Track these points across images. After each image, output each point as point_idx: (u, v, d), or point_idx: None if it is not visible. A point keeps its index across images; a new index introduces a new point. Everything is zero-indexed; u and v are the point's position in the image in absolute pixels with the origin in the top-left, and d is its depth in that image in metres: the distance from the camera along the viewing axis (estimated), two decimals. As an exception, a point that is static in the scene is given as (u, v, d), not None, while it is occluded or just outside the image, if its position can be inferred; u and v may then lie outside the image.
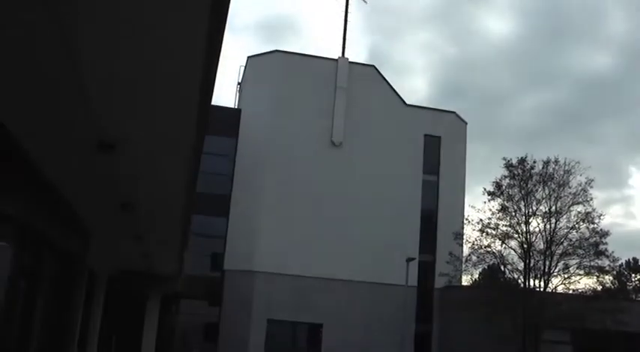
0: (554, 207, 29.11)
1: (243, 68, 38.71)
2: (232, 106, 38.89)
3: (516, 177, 29.55)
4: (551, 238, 28.87)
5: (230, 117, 35.74)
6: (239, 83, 40.17)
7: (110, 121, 7.17)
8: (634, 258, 53.16)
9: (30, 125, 7.84)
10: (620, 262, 31.00)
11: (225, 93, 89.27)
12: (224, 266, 35.07)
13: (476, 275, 36.88)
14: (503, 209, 29.70)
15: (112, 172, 9.35)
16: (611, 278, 33.45)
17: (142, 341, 26.44)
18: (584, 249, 29.06)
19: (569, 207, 29.20)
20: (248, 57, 38.07)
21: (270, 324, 33.34)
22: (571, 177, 29.29)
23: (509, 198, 29.68)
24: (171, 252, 18.15)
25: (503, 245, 29.65)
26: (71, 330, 15.78)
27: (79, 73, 5.81)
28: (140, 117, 7.15)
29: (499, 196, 29.92)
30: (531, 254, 29.04)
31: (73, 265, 15.30)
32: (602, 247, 28.93)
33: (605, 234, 28.95)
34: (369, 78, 37.21)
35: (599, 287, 31.17)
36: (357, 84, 36.45)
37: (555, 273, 29.05)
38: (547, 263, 28.93)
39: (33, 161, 9.54)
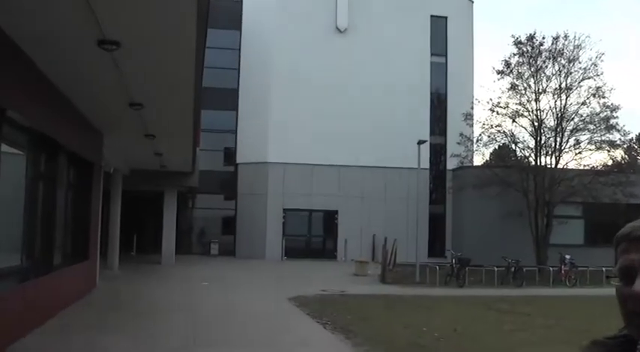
0: (564, 83, 28.76)
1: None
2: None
3: (525, 55, 29.03)
4: (561, 114, 28.70)
5: (232, 10, 35.03)
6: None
7: (111, 18, 7.06)
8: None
9: (32, 28, 7.75)
10: (631, 136, 30.86)
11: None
12: (237, 160, 35.42)
13: (487, 155, 37.12)
14: (513, 87, 29.36)
15: (117, 71, 9.29)
16: (621, 152, 33.50)
17: (162, 237, 27.09)
18: (594, 124, 28.93)
19: (579, 83, 28.83)
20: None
21: (286, 214, 34.00)
22: (581, 51, 28.80)
23: (519, 76, 29.28)
24: (183, 148, 18.28)
25: (514, 123, 29.51)
26: (92, 229, 16.18)
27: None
28: (140, 11, 7.02)
29: (508, 75, 29.51)
30: (542, 131, 28.96)
31: (87, 167, 15.51)
32: (612, 121, 28.79)
33: (615, 108, 28.74)
34: (372, -41, 36.06)
35: (610, 162, 31.28)
36: (359, -34, 35.37)
37: (566, 149, 29.06)
38: (558, 139, 28.89)
39: (40, 67, 9.50)
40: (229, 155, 36.10)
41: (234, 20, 34.88)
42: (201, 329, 11.29)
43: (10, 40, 7.99)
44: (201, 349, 9.17)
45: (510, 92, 29.31)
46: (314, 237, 35.62)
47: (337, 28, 34.86)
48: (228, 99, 34.94)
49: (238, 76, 35.43)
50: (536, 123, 28.91)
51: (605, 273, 23.33)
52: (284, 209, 33.83)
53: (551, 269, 24.26)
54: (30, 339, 9.43)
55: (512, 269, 23.65)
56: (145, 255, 29.84)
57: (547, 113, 29.02)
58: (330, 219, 34.86)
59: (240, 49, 35.49)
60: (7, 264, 9.94)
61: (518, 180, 28.38)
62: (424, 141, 26.13)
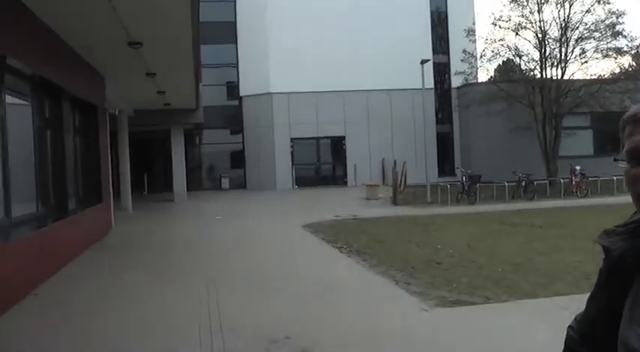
0: (567, -8, 28.21)
1: None
2: None
3: (526, -36, 28.40)
4: (565, 24, 28.19)
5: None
6: None
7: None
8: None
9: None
10: (638, 42, 30.32)
11: None
12: (240, 93, 35.25)
13: (492, 71, 36.67)
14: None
15: (112, 9, 9.17)
16: (629, 59, 33.02)
17: (173, 175, 27.26)
18: (600, 32, 28.43)
19: (583, -11, 28.24)
20: None
21: (294, 143, 34.03)
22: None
23: (520, -13, 28.70)
24: (185, 85, 18.18)
25: (517, 36, 29.05)
26: (103, 171, 16.29)
27: None
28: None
29: (509, -14, 28.91)
30: (546, 42, 28.52)
31: (92, 111, 15.50)
32: (618, 28, 28.31)
33: (621, 13, 28.20)
34: None
35: (617, 70, 30.92)
36: None
37: (572, 60, 28.68)
38: (563, 50, 28.48)
39: (36, 13, 9.38)
40: (232, 89, 35.91)
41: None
42: (220, 259, 11.48)
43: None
44: (221, 279, 9.35)
45: (512, 4, 28.74)
46: (323, 164, 35.75)
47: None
48: (227, 32, 34.51)
49: (235, 7, 34.89)
50: (540, 35, 28.47)
51: (616, 182, 23.50)
52: (291, 138, 33.86)
53: (561, 181, 24.36)
54: (51, 283, 9.64)
55: (523, 183, 23.75)
56: (157, 194, 30.13)
57: (551, 24, 28.54)
58: (338, 145, 34.90)
59: (234, -20, 34.84)
60: (24, 211, 10.07)
61: (525, 94, 28.16)
62: (427, 61, 25.82)
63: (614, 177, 23.85)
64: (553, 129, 28.08)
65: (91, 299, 8.63)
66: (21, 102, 10.41)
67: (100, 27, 10.88)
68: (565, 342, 1.54)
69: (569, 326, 1.56)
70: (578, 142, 30.59)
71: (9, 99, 9.27)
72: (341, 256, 11.80)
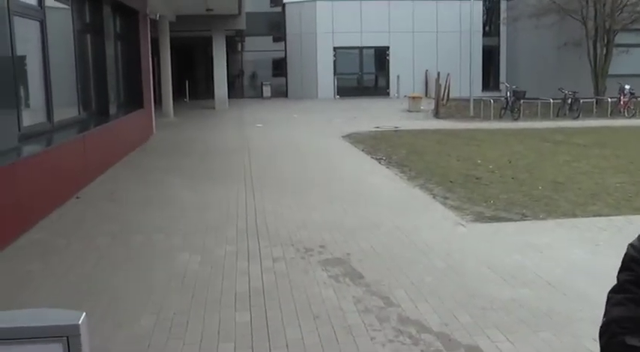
0: None
1: None
2: None
3: None
4: None
5: None
6: None
7: None
8: None
9: None
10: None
11: None
12: (284, 0, 34.64)
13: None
14: None
15: None
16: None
17: (214, 82, 27.23)
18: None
19: None
20: None
21: (337, 52, 33.59)
22: None
23: None
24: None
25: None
26: (144, 77, 16.31)
27: None
28: None
29: None
30: (605, -48, 27.26)
31: (133, 16, 15.38)
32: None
33: None
34: None
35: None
36: None
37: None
38: (622, -40, 27.18)
39: None
40: (276, -5, 35.32)
41: None
42: (258, 167, 11.56)
43: None
44: (258, 185, 9.44)
45: None
46: (366, 74, 35.33)
47: None
48: None
49: None
50: (597, -57, 27.11)
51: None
52: (334, 47, 33.40)
53: (609, 100, 23.70)
54: (97, 185, 9.84)
55: (569, 101, 23.18)
56: (198, 100, 30.23)
57: None
58: (381, 55, 34.37)
59: None
60: (66, 115, 10.19)
61: (577, 8, 27.06)
62: (477, -30, 24.94)
63: (665, 97, 23.17)
64: (604, 46, 27.09)
65: (129, 201, 8.80)
66: (61, 5, 10.36)
67: None
68: (623, 260, 1.48)
69: (630, 244, 1.48)
70: (630, 60, 29.51)
71: (49, 2, 9.23)
72: (380, 167, 11.78)
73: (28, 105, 8.71)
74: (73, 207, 8.43)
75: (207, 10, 22.21)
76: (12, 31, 7.27)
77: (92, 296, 5.08)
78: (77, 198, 8.86)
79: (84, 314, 1.34)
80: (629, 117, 22.40)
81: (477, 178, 10.24)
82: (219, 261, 6.02)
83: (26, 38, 8.49)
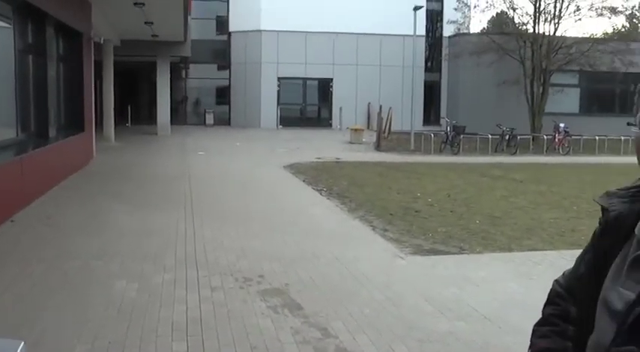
0: (566, -55, 27.73)
1: None
2: None
3: None
4: (562, -21, 27.88)
5: None
6: None
7: None
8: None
9: None
10: (633, 2, 30.04)
11: None
12: (229, 29, 34.71)
13: (484, 22, 36.37)
14: (513, -50, 28.32)
15: None
16: (622, 19, 32.84)
17: (157, 108, 27.02)
18: (597, -11, 28.16)
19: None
20: None
21: (281, 82, 33.78)
22: None
23: (520, -64, 28.23)
24: (174, 16, 17.87)
25: (513, -12, 28.69)
26: (86, 100, 16.09)
27: None
28: None
29: None
30: (541, -4, 28.24)
31: (77, 38, 15.20)
32: (615, -15, 28.07)
33: (619, -28, 27.91)
34: None
35: (610, 29, 30.74)
36: None
37: (566, 16, 28.39)
38: (557, 5, 28.14)
39: None
40: (221, 23, 35.34)
41: None
42: (198, 194, 11.48)
43: None
44: (198, 214, 9.37)
45: (511, -46, 28.28)
46: (309, 105, 35.61)
47: None
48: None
49: (228, -60, 34.11)
50: (535, -12, 28.11)
51: (598, 142, 23.63)
52: (278, 77, 33.61)
53: (545, 137, 24.44)
54: (32, 208, 9.61)
55: (507, 137, 23.83)
56: (140, 126, 29.90)
57: (548, -23, 28.15)
58: (324, 87, 34.72)
59: None
60: (3, 137, 9.96)
61: (516, 48, 27.97)
62: (420, 7, 25.50)
63: (597, 137, 24.00)
64: (541, 85, 28.00)
65: (66, 226, 8.62)
66: (3, 24, 10.18)
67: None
68: (549, 295, 1.56)
69: (555, 280, 1.57)
70: (565, 100, 30.61)
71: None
72: (321, 198, 11.84)
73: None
74: (7, 230, 8.21)
75: (153, 35, 22.12)
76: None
77: (25, 323, 4.95)
78: (12, 221, 8.64)
79: (22, 343, 1.32)
80: (564, 155, 23.11)
81: (416, 211, 10.39)
82: (156, 289, 5.94)
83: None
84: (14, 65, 10.53)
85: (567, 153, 23.30)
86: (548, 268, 6.92)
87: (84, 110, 15.79)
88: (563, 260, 7.15)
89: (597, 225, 1.43)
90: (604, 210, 1.39)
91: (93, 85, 17.49)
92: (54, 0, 12.10)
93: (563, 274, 1.57)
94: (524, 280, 6.55)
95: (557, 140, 24.27)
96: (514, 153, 22.58)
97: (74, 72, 15.31)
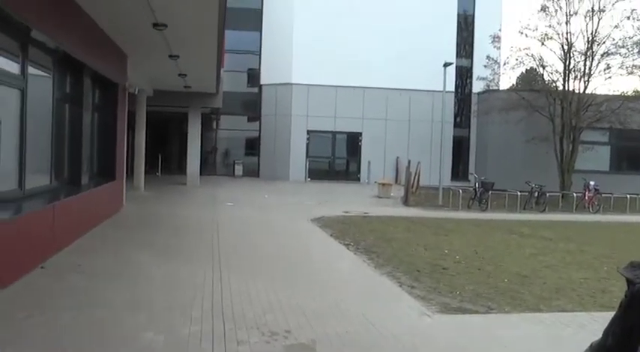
0: (597, 5, 27.87)
1: None
2: None
3: (558, -26, 28.13)
4: (592, 38, 27.96)
5: None
6: None
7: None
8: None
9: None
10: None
11: None
12: (261, 81, 35.24)
13: (514, 79, 36.49)
14: (543, 9, 28.54)
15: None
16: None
17: (187, 157, 27.34)
18: (627, 48, 28.17)
19: (613, 5, 27.92)
20: None
21: (310, 135, 34.06)
22: (617, -29, 27.79)
23: (550, -4, 28.44)
24: (207, 69, 18.22)
25: (543, 46, 28.87)
26: (118, 149, 16.35)
27: None
28: None
29: (539, -5, 28.67)
30: (571, 55, 28.32)
31: (112, 88, 15.55)
32: (646, 44, 28.09)
33: (651, 30, 27.96)
34: None
35: (641, 87, 30.64)
36: None
37: (596, 74, 28.42)
38: (587, 63, 28.23)
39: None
40: (253, 76, 35.92)
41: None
42: (226, 245, 11.51)
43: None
44: (225, 265, 9.39)
45: (540, 14, 28.53)
46: (337, 158, 35.76)
47: (365, -55, 33.98)
48: (252, 19, 34.52)
49: (262, -5, 34.91)
50: (565, 47, 28.26)
51: (629, 200, 23.36)
52: (308, 130, 33.90)
53: (574, 195, 24.24)
54: (63, 256, 9.71)
55: (536, 194, 23.67)
56: (170, 175, 30.24)
57: (577, 36, 28.30)
58: (353, 140, 34.90)
59: (263, -32, 34.81)
60: (37, 183, 10.15)
61: (545, 105, 28.01)
62: (450, 64, 25.74)
63: (628, 195, 23.74)
64: (571, 143, 27.92)
65: (96, 274, 8.69)
66: (43, 74, 10.48)
67: (127, 7, 10.91)
68: None
69: (589, 346, 1.56)
70: (595, 157, 30.43)
71: (31, 70, 9.35)
72: (348, 253, 11.80)
73: (0, 171, 8.68)
74: (37, 277, 8.29)
75: (186, 87, 22.54)
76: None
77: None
78: (42, 267, 8.73)
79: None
80: (594, 213, 22.86)
81: (443, 268, 10.31)
82: (183, 341, 5.94)
83: (4, 103, 8.54)
84: (52, 113, 10.81)
85: (597, 212, 23.05)
86: (578, 330, 6.80)
87: (116, 159, 16.05)
88: (594, 322, 7.03)
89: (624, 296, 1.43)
90: (629, 282, 1.38)
91: (125, 135, 17.80)
92: (92, 52, 12.44)
93: (591, 346, 1.56)
94: (553, 342, 6.43)
95: (587, 198, 24.06)
96: (543, 211, 22.39)
97: (108, 121, 15.62)
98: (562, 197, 24.90)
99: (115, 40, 14.20)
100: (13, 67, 8.68)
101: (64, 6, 10.01)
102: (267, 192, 25.08)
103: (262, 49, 35.10)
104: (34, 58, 9.45)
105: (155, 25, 11.64)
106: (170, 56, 15.39)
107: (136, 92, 20.92)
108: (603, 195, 23.98)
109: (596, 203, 23.70)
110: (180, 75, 19.15)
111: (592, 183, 24.19)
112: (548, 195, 23.52)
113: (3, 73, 8.02)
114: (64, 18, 10.10)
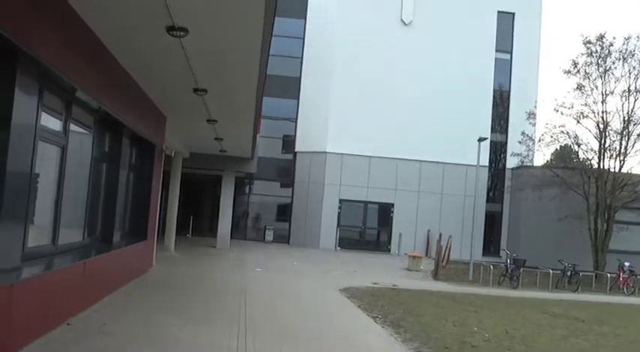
0: (633, 86, 27.91)
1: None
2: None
3: (594, 55, 28.26)
4: (629, 117, 27.91)
5: (298, -2, 35.25)
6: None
7: (181, 5, 7.17)
8: None
9: (105, 15, 7.93)
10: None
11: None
12: (295, 148, 35.58)
13: (548, 155, 36.41)
14: (579, 87, 28.65)
15: (184, 57, 9.44)
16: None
17: (219, 221, 27.46)
18: (663, 129, 28.08)
19: (649, 85, 27.97)
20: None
21: (342, 204, 34.08)
22: (653, 53, 27.91)
23: (586, 76, 28.52)
24: (244, 134, 18.48)
25: (578, 124, 28.87)
26: (152, 210, 16.51)
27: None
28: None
29: (575, 74, 28.82)
30: (607, 133, 28.24)
31: (150, 149, 15.82)
32: (683, 126, 27.93)
33: (686, 113, 27.84)
34: (441, -48, 35.66)
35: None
36: (428, -41, 35.12)
37: (631, 154, 28.26)
38: (623, 143, 28.12)
39: (111, 51, 9.72)
40: (288, 143, 36.30)
41: (299, 9, 35.00)
42: (254, 312, 11.42)
43: (84, 25, 8.21)
44: (250, 331, 9.30)
45: (576, 92, 28.65)
46: (368, 228, 35.63)
47: (402, 20, 34.66)
48: (291, 87, 35.09)
49: (301, 65, 35.52)
50: (601, 126, 28.21)
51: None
52: (340, 199, 33.95)
53: (608, 275, 23.75)
54: (89, 313, 9.71)
55: (569, 273, 23.24)
56: (200, 237, 30.36)
57: (613, 115, 28.29)
58: (385, 211, 34.80)
59: (304, 38, 35.56)
60: (70, 239, 10.25)
61: (580, 183, 27.80)
62: (485, 139, 25.81)
63: (665, 279, 23.18)
64: (605, 222, 27.54)
65: (120, 334, 8.65)
66: (83, 132, 10.72)
67: (171, 73, 11.19)
68: None
69: None
70: (630, 238, 29.85)
71: (73, 127, 9.57)
72: (375, 326, 11.63)
73: (35, 225, 8.79)
74: (63, 333, 8.29)
75: (221, 151, 22.85)
76: (34, 155, 7.48)
77: None
78: (68, 324, 8.73)
79: None
80: (629, 295, 22.34)
81: (472, 346, 10.09)
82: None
83: (45, 158, 8.72)
84: (89, 171, 11.01)
85: (632, 293, 22.51)
86: None
87: (148, 219, 16.18)
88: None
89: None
90: None
91: (159, 196, 17.99)
92: (133, 113, 12.72)
93: None
94: None
95: (621, 279, 23.54)
96: (576, 291, 21.92)
97: (143, 181, 15.81)
98: (595, 277, 24.40)
99: (156, 102, 14.53)
100: (56, 124, 8.90)
101: (110, 68, 10.30)
102: (297, 260, 24.99)
103: (299, 116, 35.57)
104: (76, 116, 9.69)
105: (196, 90, 11.91)
106: (208, 121, 15.67)
107: (173, 154, 21.25)
108: (638, 276, 23.46)
109: (631, 285, 23.18)
110: (216, 139, 19.44)
111: (627, 263, 23.72)
112: (581, 274, 23.07)
113: (46, 130, 8.21)
114: (109, 80, 10.38)
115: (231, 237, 27.93)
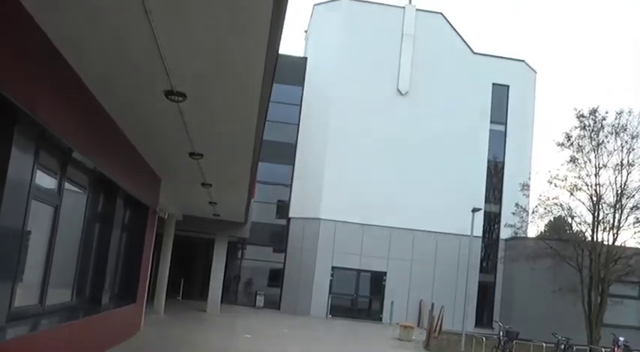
0: (626, 159, 28.22)
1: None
2: (300, 54, 38.75)
3: (587, 128, 28.67)
4: (621, 191, 28.10)
5: (297, 65, 35.75)
6: (305, 31, 40.06)
7: (181, 70, 7.29)
8: None
9: (103, 76, 8.06)
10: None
11: (292, 39, 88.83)
12: (289, 214, 35.54)
13: (542, 227, 36.48)
14: (573, 160, 28.96)
15: (181, 121, 9.53)
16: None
17: (209, 284, 27.24)
18: (656, 202, 28.24)
19: (642, 159, 28.28)
20: (314, 5, 37.76)
21: (334, 271, 33.83)
22: (645, 128, 28.32)
23: (579, 149, 28.87)
24: (238, 199, 18.52)
25: (572, 197, 29.04)
26: (142, 272, 16.40)
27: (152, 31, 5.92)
28: (211, 65, 7.22)
29: (568, 147, 29.17)
30: (600, 206, 28.36)
31: (143, 211, 15.82)
32: (675, 200, 28.10)
33: (679, 187, 28.06)
34: (437, 25, 36.44)
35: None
36: (424, 31, 35.83)
37: (625, 227, 28.33)
38: (617, 216, 28.21)
39: (108, 112, 9.84)
40: (282, 208, 36.25)
41: (297, 76, 35.52)
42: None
43: (81, 84, 8.32)
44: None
45: (570, 165, 28.94)
46: (360, 296, 35.27)
47: (398, 90, 35.18)
48: (286, 153, 35.29)
49: (297, 131, 35.83)
50: (594, 198, 28.36)
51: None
52: (332, 266, 33.72)
53: (603, 350, 23.44)
54: (73, 377, 9.54)
55: (562, 346, 22.92)
56: (191, 300, 30.02)
57: (607, 188, 28.49)
58: (377, 279, 34.54)
59: (301, 105, 35.97)
60: (59, 300, 10.14)
61: (573, 255, 27.77)
62: (479, 210, 25.88)
63: (659, 355, 22.91)
64: (599, 295, 27.40)
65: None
66: (77, 191, 10.74)
67: (167, 137, 11.29)
68: None
69: None
70: (625, 312, 29.66)
71: (67, 186, 9.59)
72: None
73: (23, 284, 8.70)
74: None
75: (215, 214, 22.85)
76: (27, 214, 7.48)
77: None
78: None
79: None
80: (623, 372, 22.02)
81: None
82: None
83: (37, 216, 8.70)
84: (81, 231, 10.97)
85: (627, 370, 22.21)
86: None
87: (139, 281, 16.05)
88: None
89: None
90: None
91: (150, 258, 17.89)
92: (128, 174, 12.77)
93: None
94: None
95: (616, 354, 23.27)
96: (570, 365, 21.63)
97: (135, 243, 15.75)
98: (589, 351, 24.09)
99: (151, 164, 14.61)
100: (50, 183, 8.93)
101: (107, 130, 10.40)
102: (287, 327, 24.69)
103: (293, 182, 35.66)
104: (71, 176, 9.73)
105: (192, 154, 11.99)
106: (203, 184, 15.73)
107: (166, 217, 21.23)
108: (633, 351, 23.18)
109: (625, 360, 22.89)
110: (210, 202, 19.47)
111: (621, 338, 23.46)
112: (575, 348, 22.77)
113: (40, 190, 8.23)
114: (105, 141, 10.46)
115: (221, 302, 27.61)
